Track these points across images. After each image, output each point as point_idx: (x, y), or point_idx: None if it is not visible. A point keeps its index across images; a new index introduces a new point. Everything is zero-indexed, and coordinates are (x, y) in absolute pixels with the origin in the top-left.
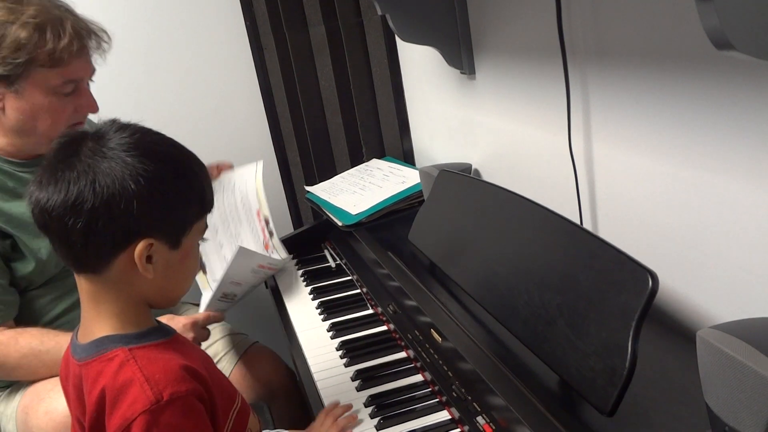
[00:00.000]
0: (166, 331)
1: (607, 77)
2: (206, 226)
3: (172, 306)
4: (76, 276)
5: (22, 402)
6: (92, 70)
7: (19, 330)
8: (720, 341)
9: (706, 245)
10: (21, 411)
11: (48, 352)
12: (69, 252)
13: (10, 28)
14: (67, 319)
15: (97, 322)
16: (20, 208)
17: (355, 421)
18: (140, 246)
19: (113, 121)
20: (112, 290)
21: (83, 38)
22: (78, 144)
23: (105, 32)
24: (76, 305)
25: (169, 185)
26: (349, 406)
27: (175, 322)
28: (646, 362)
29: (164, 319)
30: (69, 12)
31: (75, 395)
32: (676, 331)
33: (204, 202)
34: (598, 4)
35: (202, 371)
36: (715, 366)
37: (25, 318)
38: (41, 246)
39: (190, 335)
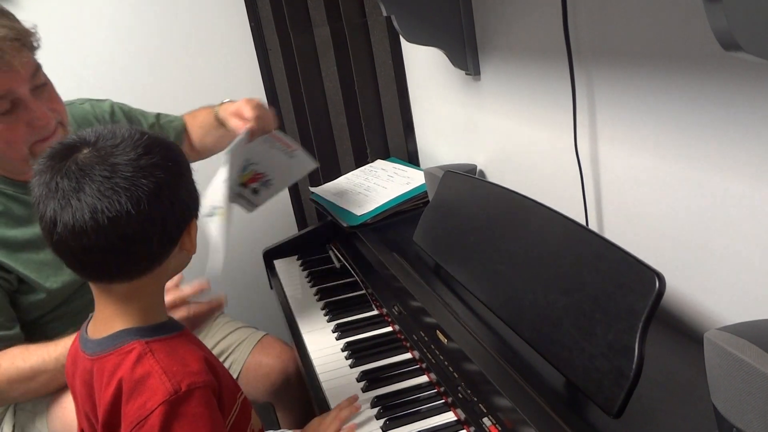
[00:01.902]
0: (178, 325)
1: (613, 77)
2: None
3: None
4: (103, 285)
5: (57, 399)
6: (26, 75)
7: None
8: (728, 343)
9: (714, 246)
10: (58, 407)
11: (32, 369)
12: (125, 264)
13: None
14: None
15: (114, 318)
16: (26, 234)
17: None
18: (192, 225)
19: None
20: (154, 283)
21: None
22: (75, 153)
23: (23, 29)
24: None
25: (184, 165)
26: (356, 405)
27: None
28: (653, 364)
29: None
30: None
31: (84, 391)
32: (683, 333)
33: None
34: (604, 4)
35: (215, 363)
36: (722, 368)
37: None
38: (49, 277)
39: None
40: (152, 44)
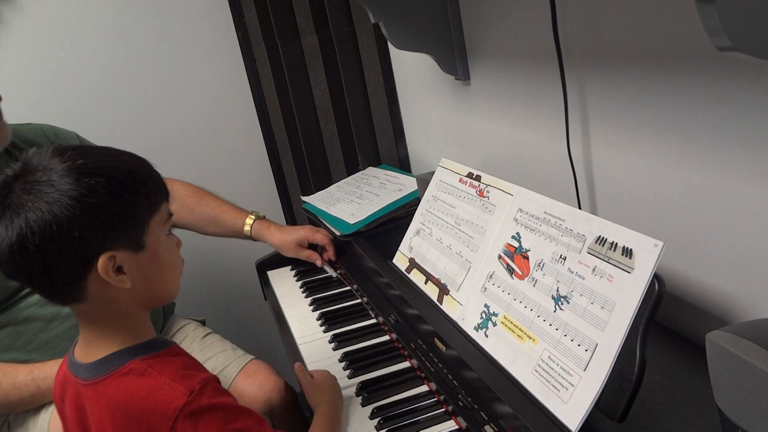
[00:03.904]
0: (166, 342)
1: (605, 80)
2: (168, 216)
3: (169, 302)
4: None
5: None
6: None
7: None
8: (730, 344)
9: (710, 247)
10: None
11: None
12: (43, 291)
13: None
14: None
15: (101, 341)
16: None
17: None
18: (101, 263)
19: (46, 151)
20: (104, 311)
21: None
22: (8, 184)
23: None
24: (32, 337)
25: (106, 198)
26: None
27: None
28: (655, 366)
29: None
30: None
31: (75, 416)
32: (684, 334)
33: (150, 199)
34: (594, 5)
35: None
36: (725, 368)
37: None
38: None
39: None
40: (139, 55)
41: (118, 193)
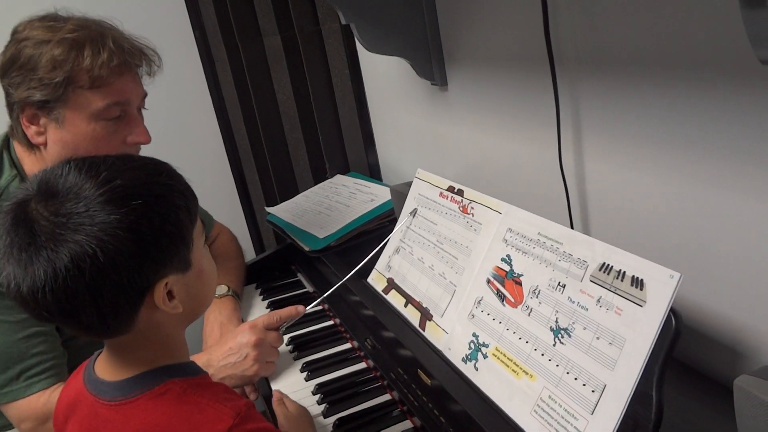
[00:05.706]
0: (200, 368)
1: (603, 87)
2: (203, 225)
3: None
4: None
5: None
6: (142, 93)
7: None
8: (762, 390)
9: (723, 276)
10: None
11: None
12: (88, 331)
13: (46, 46)
14: None
15: (132, 359)
16: None
17: None
18: (158, 293)
19: (66, 168)
20: (147, 340)
21: (126, 53)
22: (29, 215)
23: (154, 51)
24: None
25: (156, 221)
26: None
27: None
28: (673, 411)
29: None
30: (112, 29)
31: None
32: (696, 369)
33: (190, 211)
34: (591, 5)
35: None
36: (756, 417)
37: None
38: None
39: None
40: None
41: (165, 214)
